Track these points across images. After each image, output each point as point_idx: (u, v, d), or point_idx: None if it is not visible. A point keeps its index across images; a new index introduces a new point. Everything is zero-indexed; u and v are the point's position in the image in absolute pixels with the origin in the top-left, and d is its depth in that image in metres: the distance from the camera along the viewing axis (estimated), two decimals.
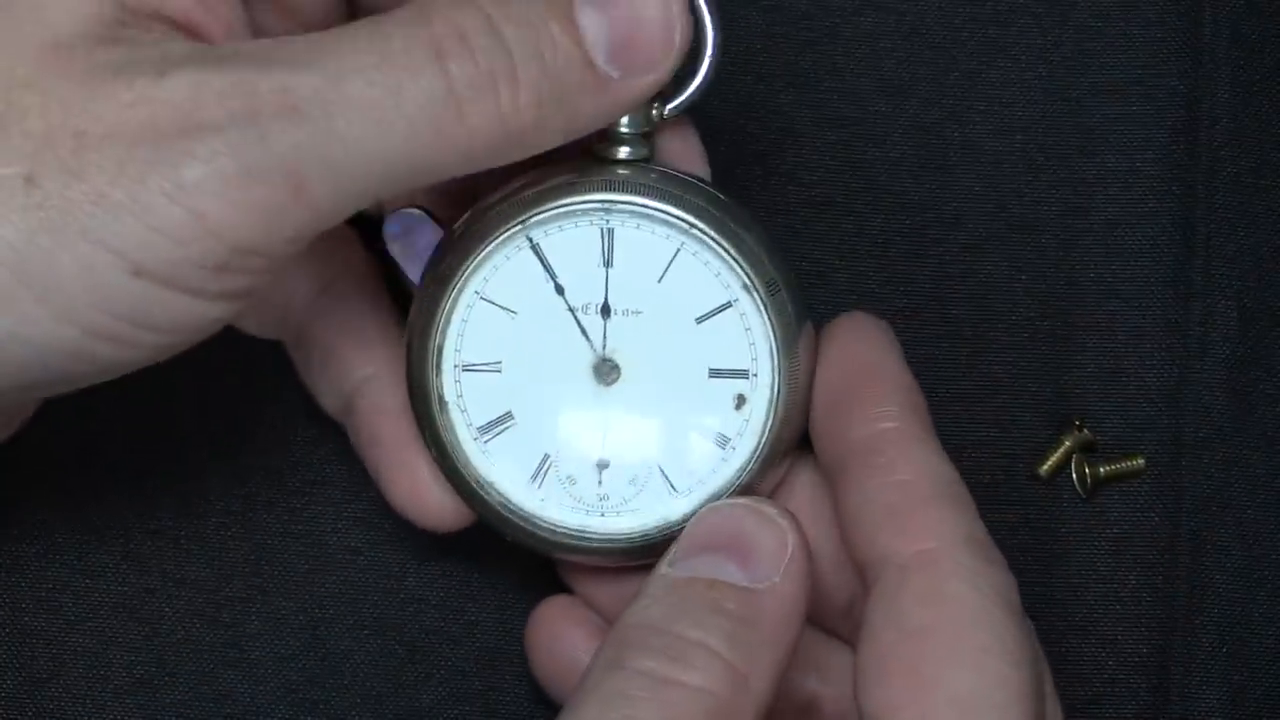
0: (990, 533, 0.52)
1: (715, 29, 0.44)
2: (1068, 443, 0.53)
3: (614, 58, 0.42)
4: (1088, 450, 0.53)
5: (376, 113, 0.39)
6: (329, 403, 0.50)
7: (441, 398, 0.46)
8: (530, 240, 0.45)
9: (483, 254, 0.45)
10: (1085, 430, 0.53)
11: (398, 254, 0.47)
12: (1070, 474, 0.53)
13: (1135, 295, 0.54)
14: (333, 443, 0.53)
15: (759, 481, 0.46)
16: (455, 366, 0.46)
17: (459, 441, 0.46)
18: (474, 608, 0.53)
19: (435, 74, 0.39)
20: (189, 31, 0.41)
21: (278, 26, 0.45)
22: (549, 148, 0.42)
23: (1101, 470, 0.53)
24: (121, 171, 0.38)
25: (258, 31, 0.43)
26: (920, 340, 0.53)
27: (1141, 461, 0.53)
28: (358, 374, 0.48)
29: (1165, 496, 0.54)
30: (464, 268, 0.45)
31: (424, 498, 0.48)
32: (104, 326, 0.39)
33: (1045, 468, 0.53)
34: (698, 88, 0.45)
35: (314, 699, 0.53)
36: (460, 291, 0.46)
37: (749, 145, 0.53)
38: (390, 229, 0.47)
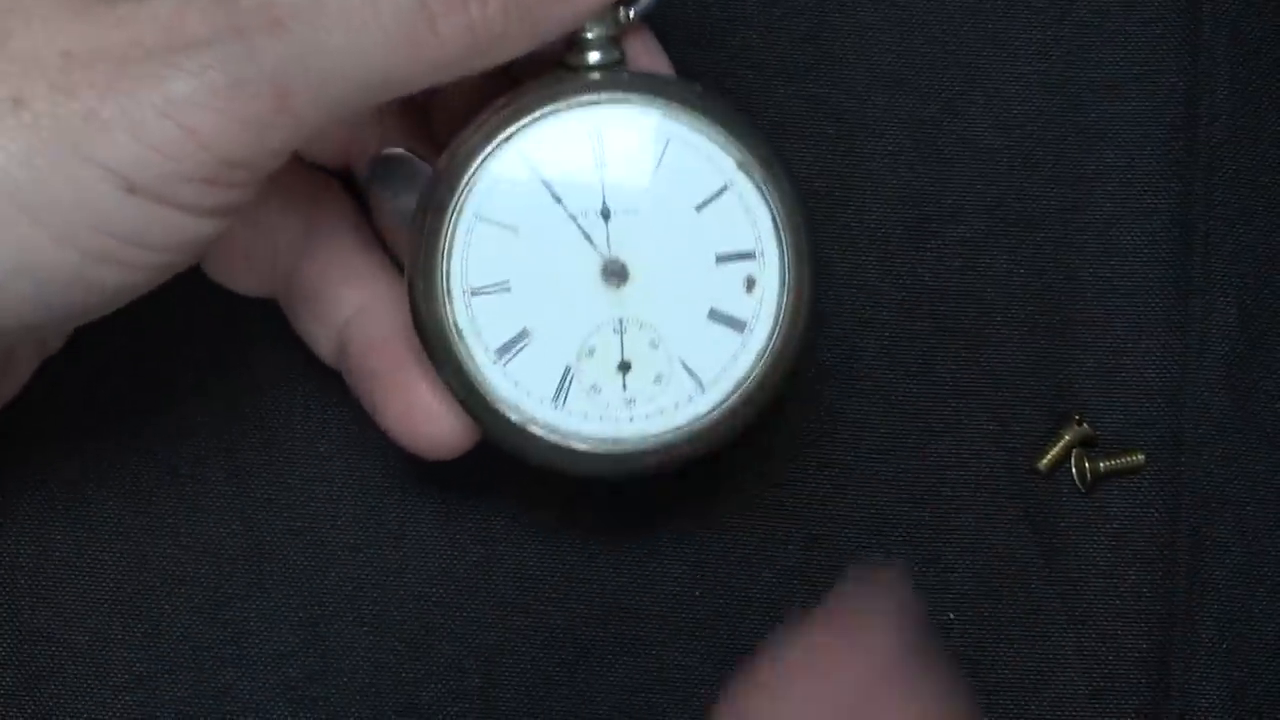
0: (990, 526, 0.52)
1: None
2: (1067, 437, 0.53)
3: None
4: (1087, 445, 0.53)
5: (356, 22, 0.40)
6: (323, 348, 0.49)
7: (456, 326, 0.46)
8: (521, 154, 0.45)
9: (475, 175, 0.45)
10: (1084, 425, 0.53)
11: (383, 196, 0.47)
12: (1070, 468, 0.53)
13: (1134, 292, 0.53)
14: (333, 439, 0.53)
15: (776, 368, 0.46)
16: (465, 292, 0.46)
17: (479, 367, 0.46)
18: (473, 605, 0.53)
19: None
20: None
21: None
22: (514, 56, 0.43)
23: (1101, 465, 0.53)
24: (111, 88, 0.38)
25: None
26: (918, 333, 0.53)
27: (1141, 457, 0.53)
28: (347, 308, 0.48)
29: (1165, 492, 0.53)
30: (458, 192, 0.45)
31: (418, 421, 0.47)
32: (101, 247, 0.39)
33: (1044, 462, 0.53)
34: None
35: (313, 696, 0.53)
36: (458, 216, 0.45)
37: None
38: (373, 172, 0.47)
